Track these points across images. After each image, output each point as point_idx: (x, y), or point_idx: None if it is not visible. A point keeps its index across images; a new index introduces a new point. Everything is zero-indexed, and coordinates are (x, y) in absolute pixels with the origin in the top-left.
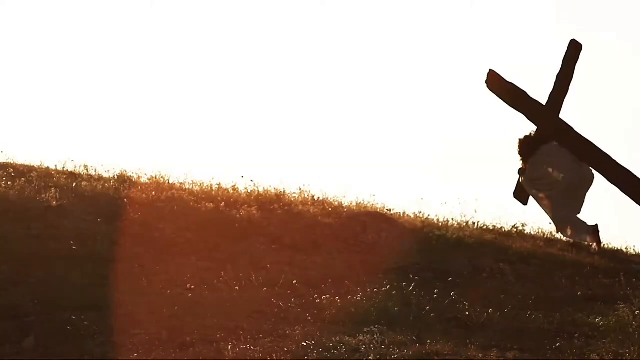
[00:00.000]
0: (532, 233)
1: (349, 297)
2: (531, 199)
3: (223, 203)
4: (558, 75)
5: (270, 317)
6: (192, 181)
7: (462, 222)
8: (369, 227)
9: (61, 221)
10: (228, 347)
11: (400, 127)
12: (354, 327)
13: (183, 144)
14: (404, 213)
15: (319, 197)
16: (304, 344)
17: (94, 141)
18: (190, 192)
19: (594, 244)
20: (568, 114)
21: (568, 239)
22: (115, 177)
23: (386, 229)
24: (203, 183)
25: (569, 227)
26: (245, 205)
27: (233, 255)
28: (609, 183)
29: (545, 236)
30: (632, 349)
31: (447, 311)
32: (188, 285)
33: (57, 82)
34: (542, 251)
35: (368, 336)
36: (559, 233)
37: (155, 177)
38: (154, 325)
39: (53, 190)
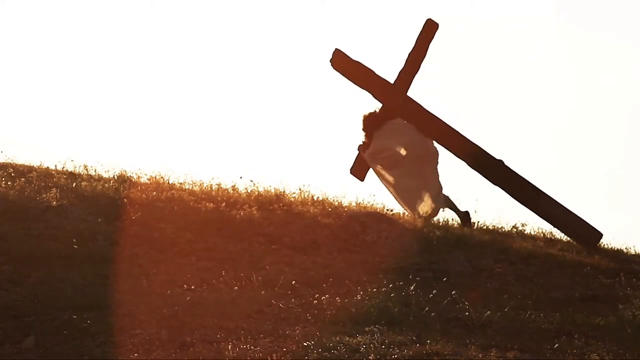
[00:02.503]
0: (532, 233)
1: (349, 297)
2: (370, 175)
3: (223, 203)
4: (410, 54)
5: (270, 317)
6: (192, 181)
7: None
8: (369, 227)
9: (61, 221)
10: (228, 347)
11: None
12: (354, 327)
13: (183, 144)
14: (404, 213)
15: (319, 197)
16: (304, 344)
17: (94, 141)
18: (190, 192)
19: (464, 222)
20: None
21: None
22: (115, 177)
23: (386, 229)
24: (203, 183)
25: (415, 201)
26: (245, 205)
27: (233, 255)
28: (457, 158)
29: (545, 236)
30: (632, 349)
31: (447, 311)
32: (188, 285)
33: (57, 82)
34: (542, 251)
35: (368, 336)
36: (404, 208)
37: (155, 177)
38: (154, 325)
39: (53, 190)
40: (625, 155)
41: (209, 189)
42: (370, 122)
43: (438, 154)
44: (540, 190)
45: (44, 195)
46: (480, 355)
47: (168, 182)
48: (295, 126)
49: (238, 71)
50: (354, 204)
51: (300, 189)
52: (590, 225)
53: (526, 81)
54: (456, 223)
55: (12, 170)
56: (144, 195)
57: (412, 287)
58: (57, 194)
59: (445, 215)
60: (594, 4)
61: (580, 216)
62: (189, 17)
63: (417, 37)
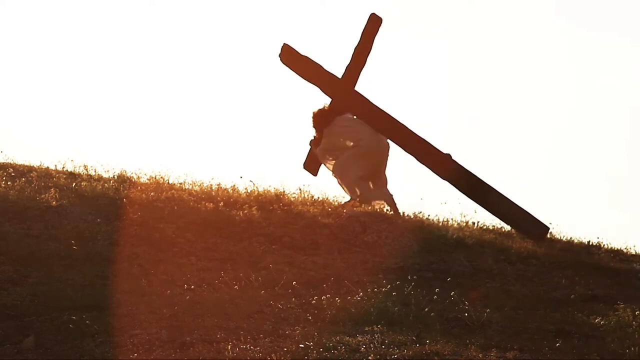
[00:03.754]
0: None
1: (349, 297)
2: (322, 170)
3: (223, 203)
4: (356, 49)
5: (270, 317)
6: (192, 181)
7: (462, 222)
8: (369, 227)
9: (61, 221)
10: (228, 347)
11: None
12: (354, 327)
13: (183, 144)
14: (404, 213)
15: (318, 197)
16: (304, 344)
17: (94, 141)
18: (190, 192)
19: (389, 207)
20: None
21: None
22: (115, 177)
23: (386, 229)
24: (203, 183)
25: (366, 195)
26: (245, 205)
27: (233, 255)
28: (406, 153)
29: None
30: (632, 349)
31: (447, 311)
32: (188, 285)
33: (57, 82)
34: (542, 251)
35: (368, 336)
36: (355, 200)
37: (155, 177)
38: (154, 325)
39: (53, 190)
40: (625, 156)
41: (209, 189)
42: (320, 119)
43: (389, 149)
44: (489, 185)
45: (43, 195)
46: (480, 355)
47: (168, 182)
48: (295, 126)
49: (237, 71)
50: None
51: (300, 189)
52: (537, 219)
53: (522, 80)
54: (456, 223)
55: (12, 170)
56: (144, 195)
57: (412, 287)
58: (57, 194)
59: (445, 215)
60: (593, 4)
61: (527, 210)
62: (189, 17)
63: (362, 32)
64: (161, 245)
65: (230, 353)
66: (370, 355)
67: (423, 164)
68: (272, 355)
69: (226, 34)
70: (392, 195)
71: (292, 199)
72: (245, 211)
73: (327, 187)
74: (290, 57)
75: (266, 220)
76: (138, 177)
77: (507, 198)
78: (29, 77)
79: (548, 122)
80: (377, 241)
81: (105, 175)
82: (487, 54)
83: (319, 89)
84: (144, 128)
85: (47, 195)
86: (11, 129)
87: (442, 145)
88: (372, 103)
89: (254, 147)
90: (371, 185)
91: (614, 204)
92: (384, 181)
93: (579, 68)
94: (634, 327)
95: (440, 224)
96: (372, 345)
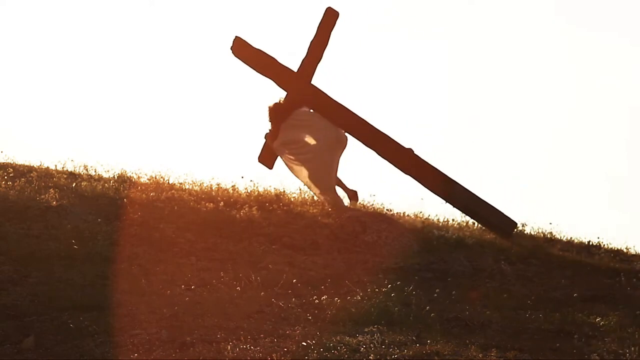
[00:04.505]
0: (532, 233)
1: (349, 297)
2: (278, 163)
3: (223, 203)
4: (312, 42)
5: (270, 317)
6: (192, 181)
7: (462, 222)
8: (369, 227)
9: (61, 221)
10: (228, 347)
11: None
12: (354, 327)
13: (183, 144)
14: (404, 213)
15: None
16: (304, 344)
17: (94, 141)
18: (190, 192)
19: (351, 200)
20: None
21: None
22: (115, 177)
23: (386, 229)
24: (203, 183)
25: (322, 188)
26: (245, 206)
27: (233, 255)
28: (365, 147)
29: (545, 236)
30: (632, 349)
31: (447, 311)
32: (188, 285)
33: (57, 82)
34: (542, 251)
35: (368, 336)
36: (316, 196)
37: (155, 177)
38: (154, 325)
39: (53, 190)
40: (625, 156)
41: (209, 189)
42: (276, 113)
43: (346, 143)
44: (453, 180)
45: (43, 195)
46: (480, 355)
47: (168, 182)
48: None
49: (237, 71)
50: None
51: (300, 189)
52: (505, 215)
53: (523, 80)
54: (456, 223)
55: (12, 170)
56: (144, 195)
57: (412, 287)
58: (57, 194)
59: (445, 216)
60: (593, 4)
61: (494, 206)
62: (189, 17)
63: (318, 26)
64: (161, 245)
65: (230, 353)
66: (370, 355)
67: (384, 158)
68: (272, 355)
69: (225, 34)
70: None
71: (292, 199)
72: (245, 211)
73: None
74: (243, 50)
75: (266, 220)
76: (138, 177)
77: (472, 193)
78: (29, 77)
79: (548, 122)
80: (377, 241)
81: (105, 175)
82: (487, 54)
83: (273, 83)
84: (144, 128)
85: (47, 195)
86: (11, 129)
87: (443, 145)
88: (329, 97)
89: (254, 147)
90: (331, 180)
91: (614, 204)
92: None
93: (579, 68)
94: (634, 327)
95: (440, 224)
96: (372, 345)
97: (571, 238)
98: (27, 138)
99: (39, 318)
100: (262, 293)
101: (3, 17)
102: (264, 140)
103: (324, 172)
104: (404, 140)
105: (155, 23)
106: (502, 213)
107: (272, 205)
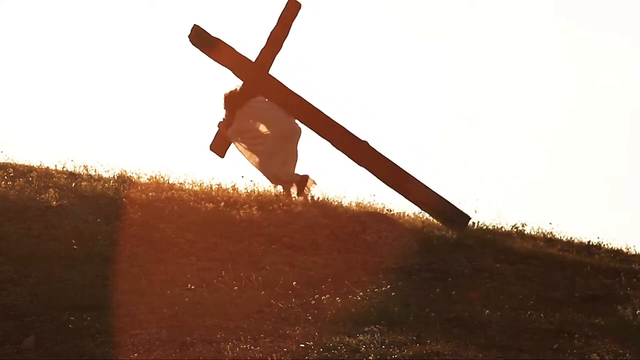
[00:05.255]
0: (532, 233)
1: (349, 297)
2: (231, 151)
3: (223, 203)
4: (271, 33)
5: (270, 317)
6: (192, 181)
7: None
8: (369, 227)
9: (61, 221)
10: (228, 347)
11: (399, 124)
12: (354, 327)
13: (183, 144)
14: (404, 213)
15: (318, 197)
16: (304, 344)
17: (94, 141)
18: (190, 192)
19: (296, 190)
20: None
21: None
22: (115, 177)
23: (386, 229)
24: (203, 183)
25: (277, 176)
26: (245, 206)
27: (233, 255)
28: (320, 137)
29: (545, 236)
30: (632, 349)
31: (447, 311)
32: (188, 285)
33: (57, 82)
34: (542, 251)
35: (368, 336)
36: (271, 183)
37: (155, 177)
38: (154, 325)
39: (53, 190)
40: (625, 156)
41: (209, 189)
42: (232, 100)
43: (301, 133)
44: (408, 174)
45: (43, 195)
46: (480, 355)
47: (168, 182)
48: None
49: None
50: (354, 204)
51: None
52: (458, 209)
53: (522, 80)
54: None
55: (12, 170)
56: (143, 195)
57: (412, 287)
58: (57, 194)
59: None
60: (593, 4)
61: (448, 200)
62: (189, 17)
63: (279, 16)
64: (161, 245)
65: (230, 353)
66: (370, 355)
67: (339, 150)
68: (272, 355)
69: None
70: (303, 177)
71: (292, 199)
72: (246, 211)
73: (327, 187)
74: (201, 38)
75: (266, 220)
76: (138, 177)
77: (427, 187)
78: (28, 77)
79: (548, 122)
80: (377, 241)
81: (105, 175)
82: (487, 54)
83: (230, 72)
84: (144, 128)
85: (47, 195)
86: (11, 129)
87: (443, 145)
88: (286, 88)
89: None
90: (287, 172)
91: (614, 204)
92: (294, 165)
93: (579, 68)
94: (634, 327)
95: (440, 224)
96: (372, 345)
97: (571, 238)
98: (27, 138)
99: (39, 318)
100: (262, 293)
101: (3, 17)
102: (217, 128)
103: (277, 161)
104: (405, 140)
105: (154, 23)
106: (456, 207)
107: (272, 205)
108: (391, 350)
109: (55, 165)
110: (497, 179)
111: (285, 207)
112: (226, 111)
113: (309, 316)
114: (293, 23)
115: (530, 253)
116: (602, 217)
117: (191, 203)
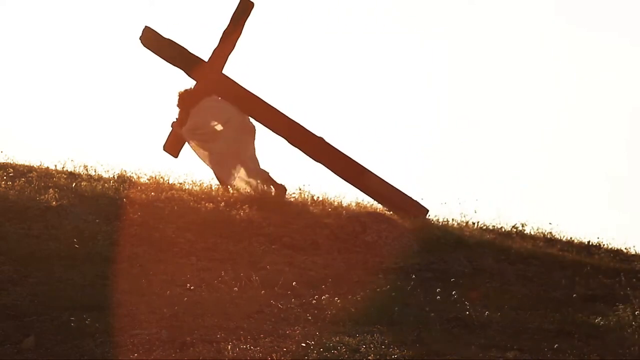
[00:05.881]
0: (532, 233)
1: (349, 297)
2: (185, 151)
3: (223, 203)
4: (224, 33)
5: (270, 317)
6: (192, 181)
7: (462, 222)
8: (369, 227)
9: (61, 221)
10: (228, 347)
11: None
12: (354, 327)
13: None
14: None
15: (318, 197)
16: (304, 344)
17: (94, 141)
18: (190, 192)
19: (268, 187)
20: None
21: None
22: (115, 177)
23: (386, 229)
24: (203, 183)
25: (230, 176)
26: (245, 206)
27: (233, 255)
28: (276, 135)
29: (545, 236)
30: (632, 349)
31: (447, 311)
32: (188, 285)
33: (57, 82)
34: (542, 251)
35: (368, 336)
36: (221, 184)
37: (155, 177)
38: (154, 325)
39: (53, 190)
40: (625, 156)
41: (209, 189)
42: (186, 99)
43: (255, 131)
44: (365, 168)
45: (43, 196)
46: (480, 355)
47: (168, 182)
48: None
49: (235, 70)
50: (353, 204)
51: (300, 189)
52: (416, 201)
53: (522, 80)
54: (456, 223)
55: (11, 170)
56: (143, 195)
57: (412, 287)
58: (57, 194)
59: (445, 215)
60: (593, 4)
61: (405, 193)
62: (188, 17)
63: (232, 16)
64: (161, 245)
65: (230, 353)
66: (370, 355)
67: (295, 146)
68: (272, 355)
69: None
70: (267, 172)
71: (292, 199)
72: (245, 211)
73: (327, 187)
74: (152, 39)
75: (266, 220)
76: (138, 177)
77: (384, 181)
78: (28, 77)
79: (548, 122)
80: (377, 241)
81: (105, 175)
82: (487, 54)
83: (183, 72)
84: (144, 128)
85: (47, 195)
86: (11, 129)
87: (443, 145)
88: (240, 86)
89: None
90: (243, 171)
91: (614, 204)
92: (255, 163)
93: (579, 68)
94: (634, 327)
95: (440, 224)
96: (372, 345)
97: (571, 238)
98: (27, 138)
99: (39, 318)
100: (262, 293)
101: (3, 17)
102: (171, 128)
103: (230, 159)
104: (405, 140)
105: (154, 23)
106: (413, 199)
107: (272, 205)
108: (391, 350)
109: (55, 165)
110: (497, 179)
111: (285, 207)
112: (180, 110)
113: (309, 316)
114: (246, 22)
115: (530, 253)
116: (602, 217)
117: (191, 203)
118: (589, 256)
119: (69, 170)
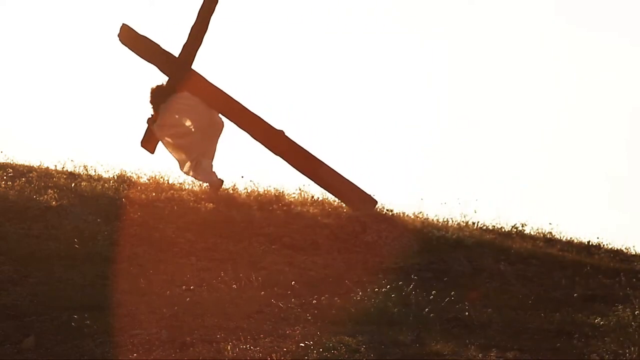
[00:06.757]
0: (532, 233)
1: (349, 297)
2: (160, 147)
3: (223, 203)
4: (192, 28)
5: (270, 317)
6: (192, 181)
7: (462, 222)
8: (369, 227)
9: (61, 221)
10: (228, 347)
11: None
12: (354, 327)
13: None
14: (403, 213)
15: (318, 197)
16: (304, 344)
17: (94, 141)
18: (190, 192)
19: (213, 187)
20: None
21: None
22: (115, 177)
23: (386, 229)
24: (203, 183)
25: (197, 170)
26: (245, 206)
27: (233, 255)
28: (239, 129)
29: (545, 236)
30: (632, 349)
31: (447, 311)
32: (188, 285)
33: (57, 82)
34: (542, 251)
35: (368, 336)
36: (187, 175)
37: (155, 177)
38: (154, 325)
39: (52, 190)
40: (625, 156)
41: (209, 189)
42: (158, 95)
43: (223, 126)
44: (321, 161)
45: (43, 196)
46: (480, 355)
47: (168, 182)
48: (294, 126)
49: (235, 70)
50: None
51: (300, 189)
52: (366, 193)
53: (522, 80)
54: (456, 223)
55: (11, 170)
56: (143, 195)
57: (411, 287)
58: (57, 194)
59: (445, 215)
60: (593, 4)
61: (356, 184)
62: (188, 17)
63: (198, 12)
64: (161, 245)
65: (230, 353)
66: (370, 355)
67: (256, 140)
68: (272, 355)
69: (223, 34)
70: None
71: (292, 199)
72: (246, 211)
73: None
74: (129, 37)
75: (266, 220)
76: (138, 177)
77: (338, 173)
78: (28, 77)
79: (548, 122)
80: (377, 241)
81: (105, 175)
82: (487, 54)
83: (156, 68)
84: (144, 128)
85: (47, 195)
86: (11, 129)
87: (443, 144)
88: (207, 81)
89: (255, 146)
90: (209, 165)
91: (614, 204)
92: (213, 157)
93: (579, 68)
94: (633, 327)
95: (440, 224)
96: (372, 345)
97: (571, 238)
98: (27, 138)
99: (39, 318)
100: (262, 293)
101: (3, 17)
102: (147, 124)
103: (200, 154)
104: (405, 140)
105: (153, 23)
106: (363, 191)
107: (272, 205)
108: (391, 350)
109: (55, 166)
110: (497, 179)
111: (285, 207)
112: (152, 106)
113: (308, 316)
114: (212, 18)
115: (530, 253)
116: (602, 217)
117: (191, 203)
118: (589, 256)
119: (69, 170)
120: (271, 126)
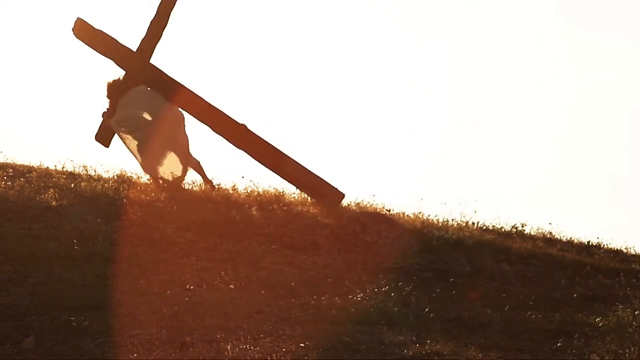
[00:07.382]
0: (532, 233)
1: (349, 297)
2: (115, 141)
3: (223, 203)
4: (151, 23)
5: (270, 317)
6: (192, 181)
7: (462, 222)
8: (369, 227)
9: (61, 221)
10: (228, 347)
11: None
12: (354, 327)
13: None
14: (403, 213)
15: None
16: (304, 344)
17: (94, 141)
18: (190, 192)
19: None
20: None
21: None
22: (115, 177)
23: (386, 229)
24: (203, 183)
25: (156, 165)
26: (245, 206)
27: (233, 255)
28: (200, 123)
29: (545, 236)
30: (632, 349)
31: (447, 311)
32: (188, 286)
33: (57, 82)
34: (542, 251)
35: (368, 336)
36: (146, 173)
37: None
38: (154, 325)
39: (52, 190)
40: (626, 155)
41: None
42: (114, 89)
43: (184, 119)
44: (284, 154)
45: (43, 196)
46: (480, 355)
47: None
48: (294, 126)
49: (234, 70)
50: (353, 204)
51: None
52: (332, 186)
53: (523, 80)
54: (456, 223)
55: (11, 170)
56: (143, 195)
57: (412, 287)
58: (57, 194)
59: (445, 215)
60: (593, 4)
61: (323, 178)
62: (188, 17)
63: (158, 7)
64: (161, 245)
65: (230, 353)
66: (370, 355)
67: (218, 134)
68: (272, 355)
69: (224, 34)
70: (198, 161)
71: (292, 199)
72: (246, 211)
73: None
74: (85, 31)
75: (266, 220)
76: (138, 177)
77: (303, 167)
78: (28, 77)
79: (548, 122)
80: (377, 241)
81: (105, 175)
82: (487, 54)
83: (113, 63)
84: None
85: (46, 195)
86: (11, 129)
87: (443, 144)
88: (167, 75)
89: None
90: (173, 160)
91: (614, 204)
92: (185, 151)
93: (579, 68)
94: (633, 327)
95: (440, 224)
96: (372, 345)
97: (571, 238)
98: (27, 138)
99: (39, 318)
100: (262, 293)
101: (3, 17)
102: (102, 118)
103: (158, 148)
104: (405, 140)
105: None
106: (330, 184)
107: (272, 205)
108: (391, 350)
109: (55, 166)
110: (497, 179)
111: (285, 207)
112: (109, 100)
113: (309, 316)
114: (171, 13)
115: (530, 253)
116: (602, 217)
117: (191, 203)
118: (589, 256)
119: (69, 170)
120: (232, 119)
